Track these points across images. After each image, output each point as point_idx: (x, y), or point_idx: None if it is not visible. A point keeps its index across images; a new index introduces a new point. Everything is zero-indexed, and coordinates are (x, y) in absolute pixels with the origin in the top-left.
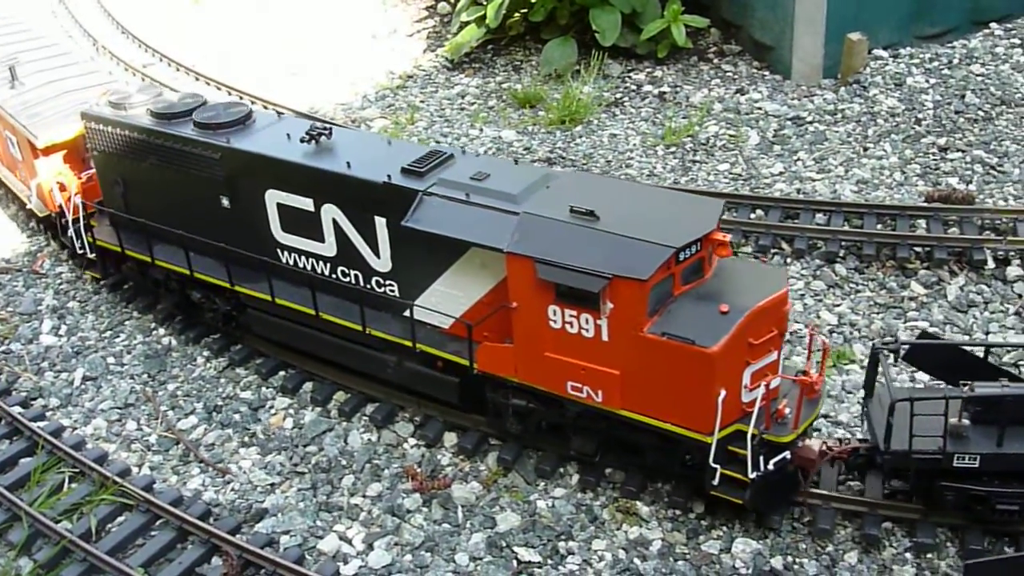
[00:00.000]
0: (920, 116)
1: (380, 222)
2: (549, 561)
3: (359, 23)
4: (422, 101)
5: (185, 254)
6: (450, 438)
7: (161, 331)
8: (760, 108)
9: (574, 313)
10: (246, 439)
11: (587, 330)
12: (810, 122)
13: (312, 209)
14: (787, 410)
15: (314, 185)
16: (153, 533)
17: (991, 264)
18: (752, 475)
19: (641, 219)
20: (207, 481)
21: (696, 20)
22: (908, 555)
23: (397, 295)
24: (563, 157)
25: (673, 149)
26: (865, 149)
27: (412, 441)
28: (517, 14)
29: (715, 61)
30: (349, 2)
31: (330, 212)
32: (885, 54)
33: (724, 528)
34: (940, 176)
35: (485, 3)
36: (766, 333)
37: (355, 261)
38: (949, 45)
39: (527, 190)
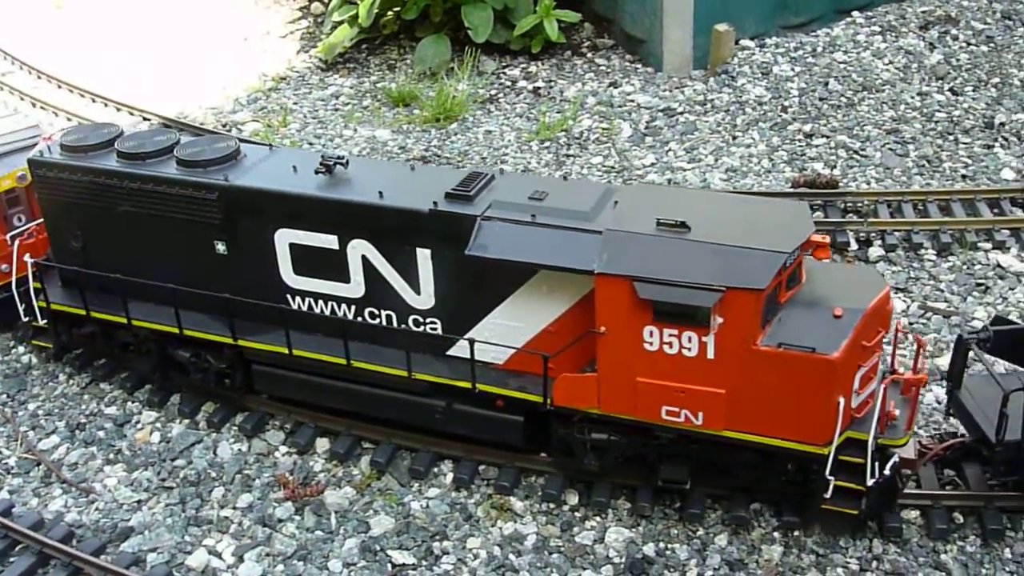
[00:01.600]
0: (786, 104)
1: (423, 254)
2: (424, 562)
3: (231, 26)
4: (295, 103)
5: (174, 309)
6: (322, 444)
7: (21, 349)
8: (633, 101)
9: (674, 332)
10: (111, 456)
11: (689, 349)
12: (681, 113)
13: (336, 247)
14: (896, 411)
15: (340, 220)
16: (12, 559)
17: (854, 246)
18: (870, 483)
19: (736, 227)
20: (70, 502)
21: (568, 15)
22: (776, 534)
23: (440, 333)
24: (438, 155)
25: (548, 144)
26: (734, 138)
27: (283, 449)
28: (390, 13)
29: (589, 55)
30: (220, 4)
31: (359, 249)
32: (752, 44)
33: (597, 519)
34: (806, 162)
35: (358, 2)
36: (875, 335)
37: (388, 300)
38: (813, 34)
39: (596, 206)
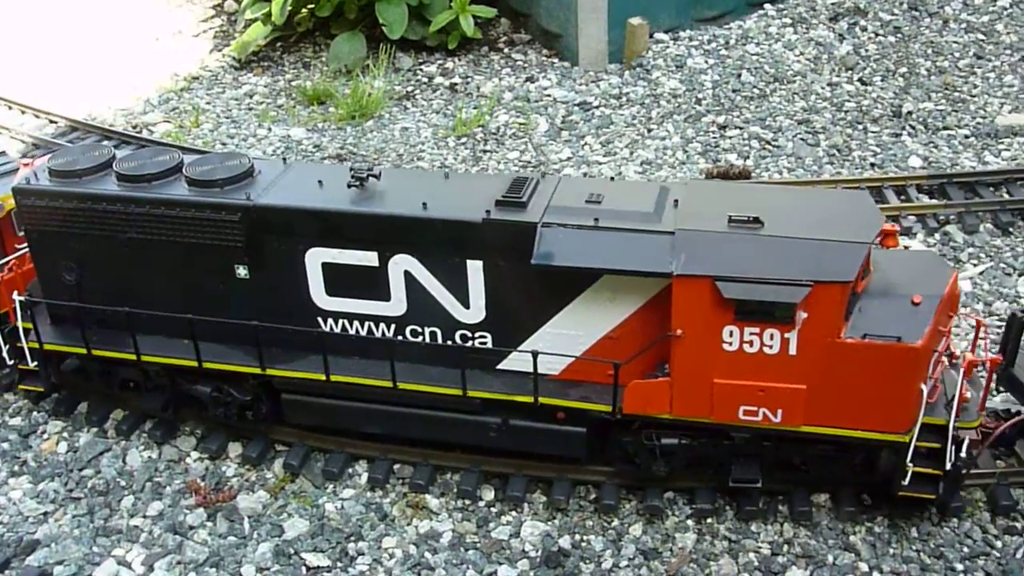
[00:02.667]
0: (700, 96)
1: (474, 266)
2: (339, 564)
3: (141, 25)
4: (208, 103)
5: (192, 342)
6: (235, 448)
7: None
8: (549, 95)
9: (756, 331)
10: (16, 468)
11: (770, 347)
12: (597, 107)
13: (376, 264)
14: (968, 394)
15: (381, 235)
16: None
17: None
18: (948, 467)
19: (808, 220)
20: None
21: (484, 11)
22: (689, 522)
23: (490, 346)
24: (354, 153)
25: (464, 140)
26: (649, 130)
27: (195, 455)
28: (305, 10)
29: (505, 51)
30: (130, 4)
31: (401, 264)
32: (666, 37)
33: (513, 513)
34: (720, 153)
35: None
36: (948, 320)
37: (433, 316)
38: (726, 27)
39: (658, 207)
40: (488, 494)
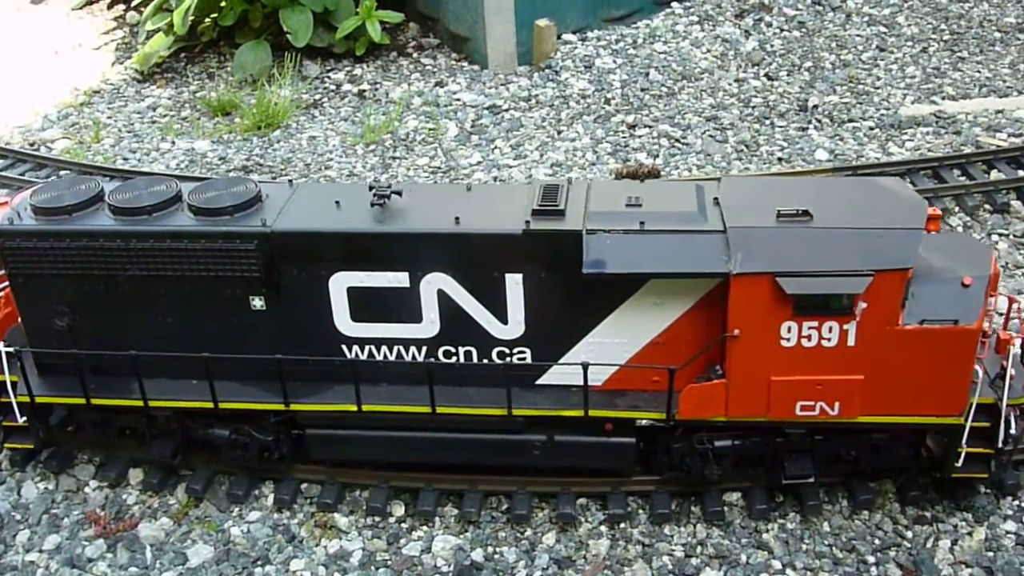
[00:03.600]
0: (609, 96)
1: (513, 280)
2: None
3: (40, 38)
4: (109, 117)
5: (208, 381)
6: (136, 475)
7: None
8: (459, 99)
9: (814, 325)
10: None
11: (829, 339)
12: (506, 110)
13: (407, 284)
14: (1013, 371)
15: (412, 254)
16: None
17: None
18: (1000, 444)
19: (854, 209)
20: None
21: (391, 16)
22: (603, 528)
23: (529, 361)
24: (260, 164)
25: (373, 147)
26: (559, 132)
27: (94, 484)
28: (208, 19)
29: (414, 55)
30: (28, 17)
31: (434, 283)
32: (574, 38)
33: (424, 528)
34: (629, 152)
35: (173, 10)
36: (992, 300)
37: (468, 335)
38: (634, 26)
39: (700, 206)
40: (398, 510)
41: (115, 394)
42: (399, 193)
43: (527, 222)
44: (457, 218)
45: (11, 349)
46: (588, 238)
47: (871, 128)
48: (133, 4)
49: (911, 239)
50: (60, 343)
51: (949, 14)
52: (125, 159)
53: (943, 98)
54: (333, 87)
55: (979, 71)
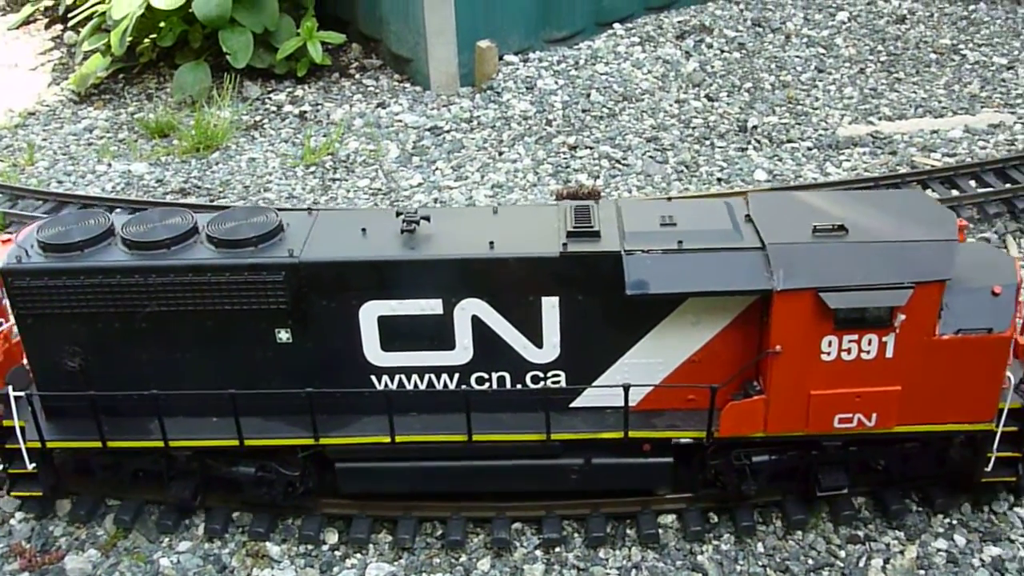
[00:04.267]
0: (551, 117)
1: (549, 303)
2: None
3: None
4: (44, 139)
5: (235, 418)
6: (63, 506)
7: None
8: (400, 121)
9: (854, 338)
10: None
11: (868, 352)
12: (448, 131)
13: (440, 312)
14: None
15: (446, 280)
16: None
17: None
18: None
19: (888, 222)
20: None
21: (332, 36)
22: (538, 552)
23: (564, 385)
24: (198, 187)
25: (313, 169)
26: (500, 153)
27: (19, 516)
28: (147, 39)
29: (357, 76)
30: None
31: (469, 309)
32: (516, 59)
33: (358, 556)
34: (570, 174)
35: (111, 30)
36: (1020, 307)
37: (502, 360)
38: (576, 47)
39: (735, 223)
40: (331, 537)
41: (132, 436)
42: (427, 218)
43: (564, 244)
44: (491, 242)
45: (20, 393)
46: (628, 259)
47: (809, 148)
48: (71, 24)
49: (948, 250)
50: (71, 385)
51: (886, 36)
52: (60, 182)
53: (880, 118)
54: (274, 108)
55: (915, 92)
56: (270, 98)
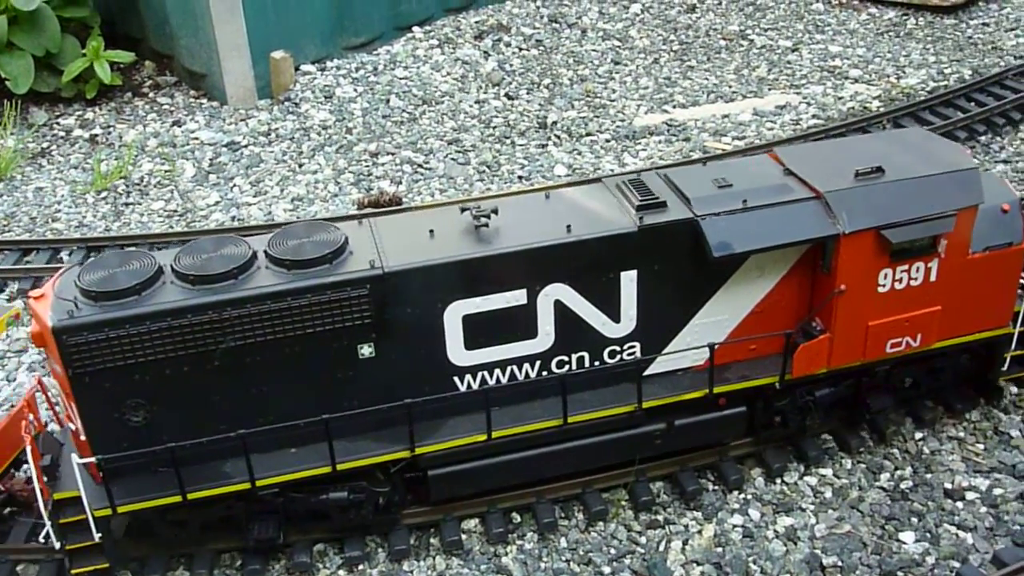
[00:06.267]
0: (351, 125)
1: (628, 277)
2: None
3: None
4: None
5: (328, 443)
6: None
7: None
8: (196, 138)
9: (905, 268)
10: None
11: (916, 279)
12: (245, 146)
13: (524, 301)
14: None
15: (530, 270)
16: None
17: None
18: None
19: (913, 160)
20: None
21: (121, 55)
22: (341, 572)
23: (639, 356)
24: None
25: (105, 194)
26: (300, 165)
27: None
28: None
29: (151, 95)
30: None
31: (551, 295)
32: (313, 68)
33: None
34: (372, 181)
35: None
36: None
37: (581, 341)
38: (375, 53)
39: (780, 176)
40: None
41: (210, 483)
42: (496, 211)
43: (640, 218)
44: (568, 226)
45: (91, 459)
46: (705, 223)
47: (607, 140)
48: None
49: (975, 177)
50: (132, 442)
51: (678, 25)
52: None
53: (674, 106)
54: (63, 133)
55: (707, 78)
56: (58, 123)
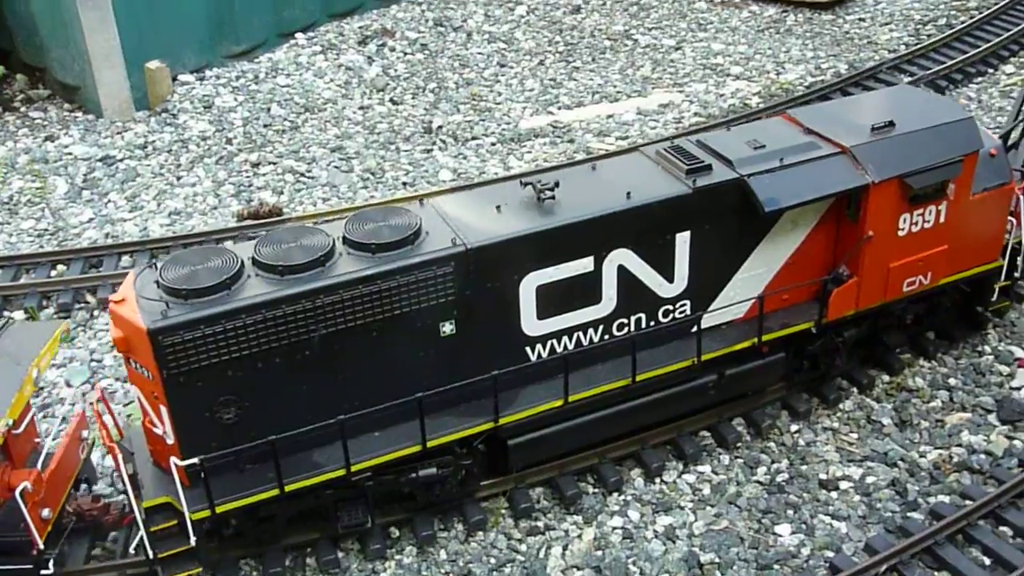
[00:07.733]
0: (231, 135)
1: (682, 239)
2: None
3: None
4: None
5: (420, 422)
6: None
7: None
8: (70, 153)
9: (920, 211)
10: None
11: (928, 221)
12: (121, 160)
13: (592, 268)
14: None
15: (598, 237)
16: None
17: None
18: (1018, 275)
19: (913, 113)
20: None
21: None
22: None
23: (689, 313)
24: None
25: None
26: (178, 178)
27: None
28: None
29: (22, 109)
30: None
31: (616, 260)
32: (192, 78)
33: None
34: (253, 192)
35: None
36: None
37: (639, 303)
38: (256, 61)
39: (803, 135)
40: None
41: (303, 475)
42: (558, 184)
43: (693, 181)
44: (628, 193)
45: (193, 460)
46: (753, 182)
47: (493, 144)
48: None
49: (973, 125)
50: (222, 441)
51: (563, 26)
52: None
53: (559, 108)
54: None
55: (592, 79)
56: None
